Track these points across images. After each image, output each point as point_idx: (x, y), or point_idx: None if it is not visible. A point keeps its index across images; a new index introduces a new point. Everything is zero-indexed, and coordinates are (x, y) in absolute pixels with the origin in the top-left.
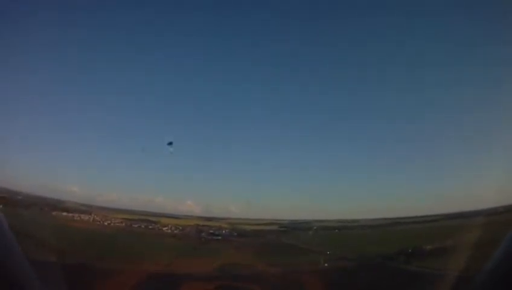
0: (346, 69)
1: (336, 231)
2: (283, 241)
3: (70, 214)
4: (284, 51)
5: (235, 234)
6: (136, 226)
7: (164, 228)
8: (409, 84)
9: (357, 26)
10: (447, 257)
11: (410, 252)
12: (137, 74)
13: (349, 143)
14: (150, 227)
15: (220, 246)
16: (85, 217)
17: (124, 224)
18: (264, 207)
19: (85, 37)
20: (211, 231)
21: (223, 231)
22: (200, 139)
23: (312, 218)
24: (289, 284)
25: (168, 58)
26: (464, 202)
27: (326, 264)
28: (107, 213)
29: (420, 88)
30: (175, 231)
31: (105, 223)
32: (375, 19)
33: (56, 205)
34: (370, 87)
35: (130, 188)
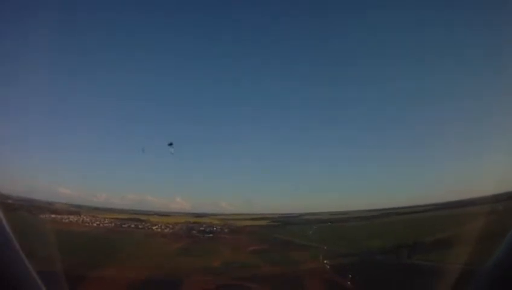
0: (330, 58)
1: (329, 223)
2: (277, 237)
3: (59, 216)
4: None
5: (226, 230)
6: (125, 226)
7: (154, 227)
8: (397, 70)
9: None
10: (450, 249)
11: (411, 245)
12: (127, 75)
13: (337, 133)
14: (140, 227)
15: (213, 245)
16: (74, 218)
17: (113, 224)
18: (253, 202)
19: (80, 37)
20: (202, 228)
21: (214, 228)
22: (187, 137)
23: (303, 211)
24: (289, 283)
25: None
26: (464, 190)
27: (326, 261)
28: (97, 213)
29: (411, 75)
30: (165, 230)
31: (94, 225)
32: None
33: (46, 207)
34: (358, 74)
35: (121, 187)
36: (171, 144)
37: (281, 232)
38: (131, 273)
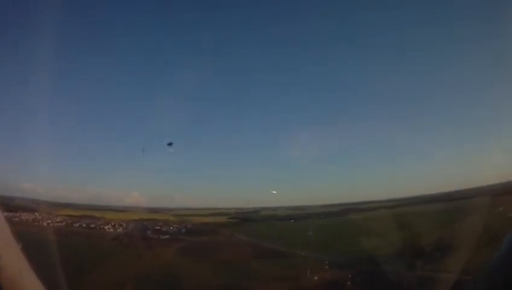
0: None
1: (292, 221)
2: (242, 238)
3: (11, 214)
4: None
5: (184, 230)
6: (76, 226)
7: (106, 227)
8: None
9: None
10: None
11: (407, 249)
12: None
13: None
14: (92, 226)
15: (169, 251)
16: (26, 216)
17: (64, 223)
18: (207, 196)
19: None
20: (157, 227)
21: (171, 227)
22: (143, 130)
23: (258, 205)
24: None
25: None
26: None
27: (315, 278)
28: (53, 210)
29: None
30: (118, 229)
31: (44, 224)
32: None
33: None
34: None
35: (80, 181)
36: (170, 144)
37: (244, 233)
38: None
